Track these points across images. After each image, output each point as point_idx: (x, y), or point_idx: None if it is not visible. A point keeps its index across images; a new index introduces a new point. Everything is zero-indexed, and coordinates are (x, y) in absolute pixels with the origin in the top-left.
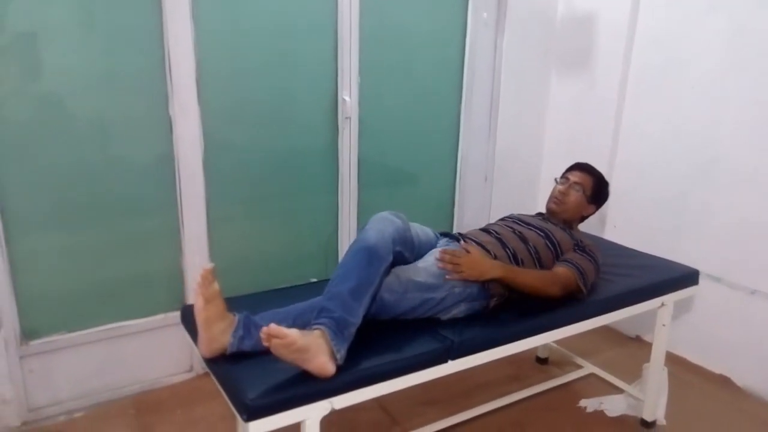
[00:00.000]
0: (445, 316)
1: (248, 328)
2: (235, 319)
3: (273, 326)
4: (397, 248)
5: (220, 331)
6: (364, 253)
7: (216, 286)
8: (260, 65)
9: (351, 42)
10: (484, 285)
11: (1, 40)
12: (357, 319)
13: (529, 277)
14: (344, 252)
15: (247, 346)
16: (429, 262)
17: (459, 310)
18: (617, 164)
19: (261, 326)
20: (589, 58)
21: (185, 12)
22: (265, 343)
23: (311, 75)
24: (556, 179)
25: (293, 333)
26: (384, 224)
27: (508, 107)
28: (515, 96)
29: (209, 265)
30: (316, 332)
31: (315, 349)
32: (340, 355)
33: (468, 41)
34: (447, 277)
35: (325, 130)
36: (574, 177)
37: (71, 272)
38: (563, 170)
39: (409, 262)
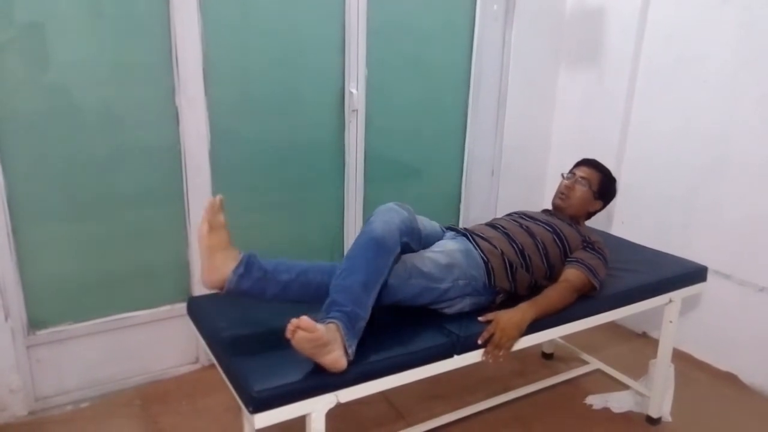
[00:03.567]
0: (450, 310)
1: (250, 268)
2: (239, 255)
3: (305, 319)
4: (404, 239)
5: (223, 261)
6: (372, 244)
7: (222, 217)
8: (267, 57)
9: (358, 34)
10: (490, 281)
11: (9, 32)
12: (367, 314)
13: (554, 302)
14: (350, 244)
15: (245, 285)
16: (436, 252)
17: (464, 304)
18: (626, 160)
19: (264, 269)
20: (598, 52)
21: (193, 3)
22: (289, 335)
23: (318, 67)
24: (562, 174)
25: (321, 328)
26: (390, 215)
27: (515, 102)
28: (523, 90)
29: (218, 196)
30: (331, 326)
31: (332, 345)
32: (352, 350)
33: (476, 35)
34: (498, 359)
35: (332, 123)
36: (581, 172)
37: (78, 262)
38: (571, 166)
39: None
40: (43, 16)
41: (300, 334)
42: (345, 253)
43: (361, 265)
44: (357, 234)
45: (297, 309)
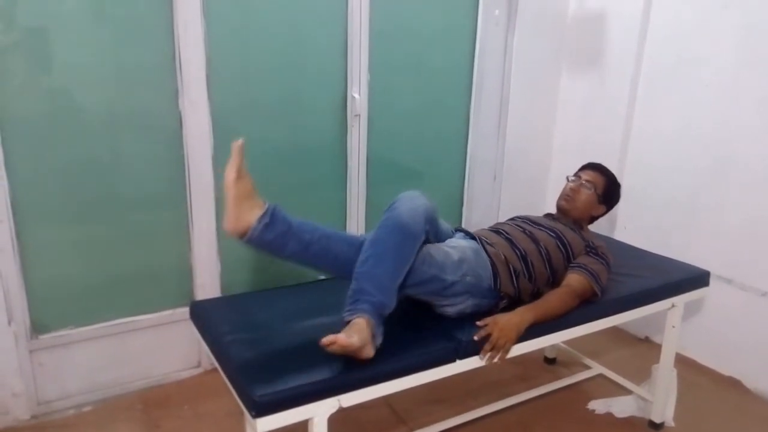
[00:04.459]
0: (452, 309)
1: (275, 219)
2: (264, 204)
3: (342, 338)
4: (427, 227)
5: (248, 208)
6: (398, 230)
7: (244, 165)
8: (270, 62)
9: (361, 39)
10: (496, 284)
11: (12, 35)
12: (394, 302)
13: (554, 307)
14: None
15: (268, 237)
16: (449, 246)
17: (466, 305)
18: (628, 164)
19: (289, 223)
20: (600, 56)
21: (196, 7)
22: (324, 344)
23: (321, 72)
24: (567, 177)
25: (354, 340)
26: (415, 202)
27: (517, 105)
28: (525, 94)
29: (240, 140)
30: (361, 321)
31: (363, 342)
32: (380, 340)
33: (478, 39)
34: (497, 360)
35: (335, 128)
36: (586, 176)
37: (81, 267)
38: (573, 169)
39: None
40: (47, 20)
41: (334, 347)
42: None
43: (389, 253)
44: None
45: (303, 308)
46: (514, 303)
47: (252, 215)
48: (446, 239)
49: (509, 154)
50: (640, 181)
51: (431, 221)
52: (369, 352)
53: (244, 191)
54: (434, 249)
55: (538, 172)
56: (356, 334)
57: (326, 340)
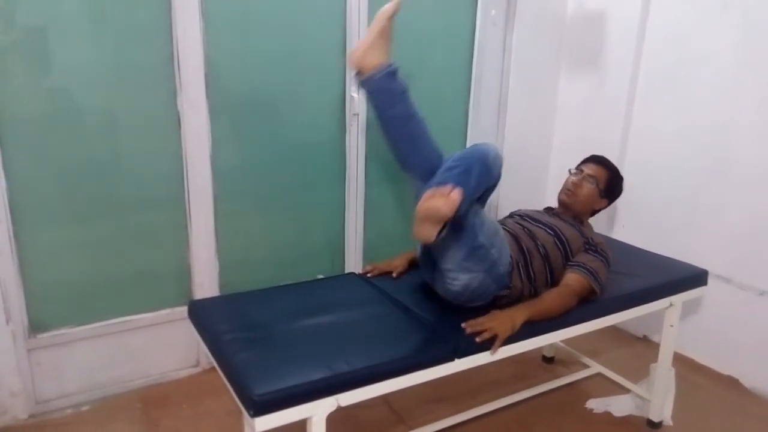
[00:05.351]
0: (462, 276)
1: (398, 75)
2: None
3: (455, 194)
4: (497, 180)
5: (381, 49)
6: (483, 162)
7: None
8: (268, 61)
9: (359, 38)
10: (510, 275)
11: (11, 35)
12: (465, 207)
13: (551, 306)
14: (350, 248)
15: (386, 85)
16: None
17: (475, 278)
18: (627, 163)
19: (406, 87)
20: (599, 56)
21: (194, 7)
22: (430, 191)
23: (319, 71)
24: (570, 170)
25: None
26: (498, 152)
27: (516, 106)
28: (524, 94)
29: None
30: (456, 193)
31: (450, 211)
32: (444, 233)
33: (477, 39)
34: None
35: (333, 127)
36: (589, 169)
37: (79, 266)
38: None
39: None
40: (46, 20)
41: (441, 199)
42: (345, 256)
43: (474, 172)
44: (357, 237)
45: (301, 307)
46: (513, 301)
47: (381, 58)
48: None
49: (508, 153)
50: (639, 180)
51: (497, 179)
52: (432, 232)
53: (388, 32)
54: (484, 213)
55: (537, 172)
56: (448, 200)
57: (437, 190)
